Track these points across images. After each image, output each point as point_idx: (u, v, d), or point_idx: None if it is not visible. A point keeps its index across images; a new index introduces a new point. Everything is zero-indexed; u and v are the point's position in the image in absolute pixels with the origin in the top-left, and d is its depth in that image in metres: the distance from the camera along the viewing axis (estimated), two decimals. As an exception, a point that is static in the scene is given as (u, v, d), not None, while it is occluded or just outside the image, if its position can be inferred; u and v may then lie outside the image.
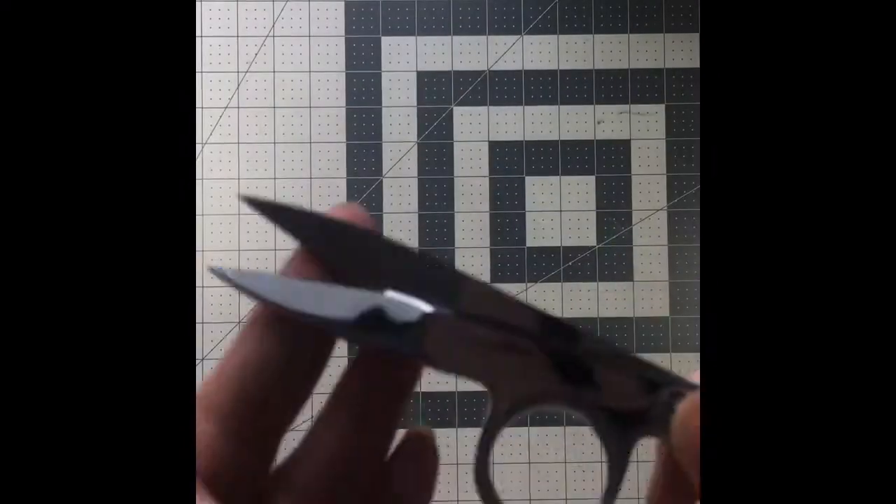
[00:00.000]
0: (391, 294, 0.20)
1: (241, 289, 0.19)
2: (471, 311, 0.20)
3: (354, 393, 0.21)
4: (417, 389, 0.63)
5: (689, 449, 0.19)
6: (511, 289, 0.61)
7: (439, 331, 0.20)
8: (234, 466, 0.19)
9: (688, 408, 0.19)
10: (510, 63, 0.63)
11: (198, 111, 0.62)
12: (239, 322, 0.62)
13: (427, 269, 0.20)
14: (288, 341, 0.20)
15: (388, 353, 0.21)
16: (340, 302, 0.20)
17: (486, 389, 0.21)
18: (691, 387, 0.20)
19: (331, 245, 0.20)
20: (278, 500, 0.20)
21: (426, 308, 0.20)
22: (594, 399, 0.20)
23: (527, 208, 0.62)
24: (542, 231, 0.62)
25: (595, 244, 0.62)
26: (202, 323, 0.63)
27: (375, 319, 0.20)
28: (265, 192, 0.62)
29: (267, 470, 0.21)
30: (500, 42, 0.63)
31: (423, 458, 0.22)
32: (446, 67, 0.63)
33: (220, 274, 0.20)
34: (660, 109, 0.63)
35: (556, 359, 0.20)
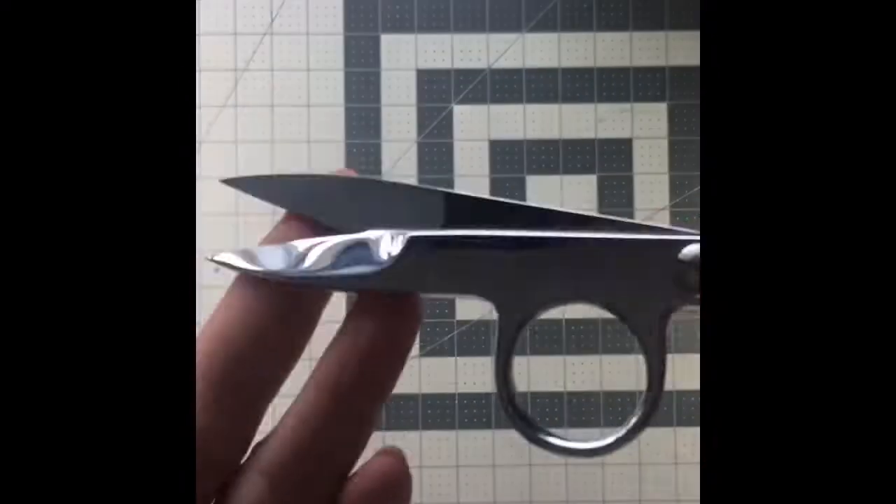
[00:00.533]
0: (372, 231, 0.19)
1: (242, 269, 0.19)
2: (461, 224, 0.19)
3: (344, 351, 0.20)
4: (417, 391, 0.62)
5: None
6: (512, 289, 0.60)
7: (426, 253, 0.19)
8: (213, 435, 0.19)
9: None
10: (511, 61, 0.62)
11: (196, 110, 0.62)
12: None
13: (415, 198, 0.20)
14: (272, 303, 0.20)
15: (379, 298, 0.20)
16: (320, 253, 0.19)
17: (490, 306, 0.20)
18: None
19: (315, 202, 0.20)
20: (252, 476, 0.19)
21: (410, 233, 0.19)
22: (611, 287, 0.19)
23: (528, 207, 0.62)
24: (543, 230, 0.62)
25: (596, 244, 0.62)
26: (202, 323, 0.62)
27: (354, 258, 0.19)
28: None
29: (246, 441, 0.20)
30: (501, 40, 0.62)
31: (390, 487, 0.20)
32: (446, 65, 0.62)
33: (220, 263, 0.20)
34: (662, 108, 0.62)
35: (562, 254, 0.19)
